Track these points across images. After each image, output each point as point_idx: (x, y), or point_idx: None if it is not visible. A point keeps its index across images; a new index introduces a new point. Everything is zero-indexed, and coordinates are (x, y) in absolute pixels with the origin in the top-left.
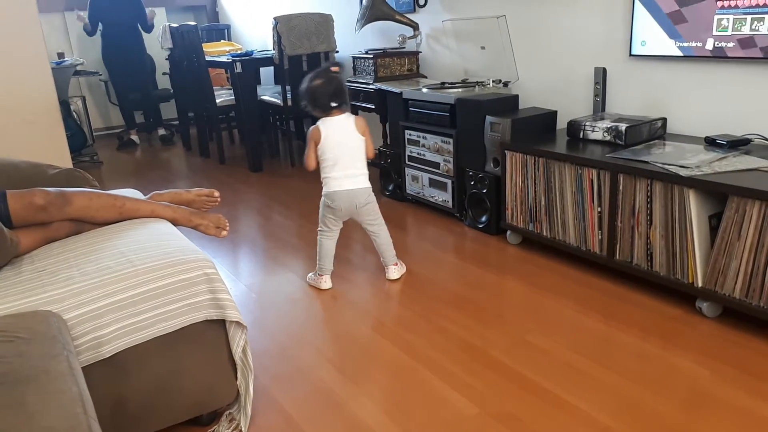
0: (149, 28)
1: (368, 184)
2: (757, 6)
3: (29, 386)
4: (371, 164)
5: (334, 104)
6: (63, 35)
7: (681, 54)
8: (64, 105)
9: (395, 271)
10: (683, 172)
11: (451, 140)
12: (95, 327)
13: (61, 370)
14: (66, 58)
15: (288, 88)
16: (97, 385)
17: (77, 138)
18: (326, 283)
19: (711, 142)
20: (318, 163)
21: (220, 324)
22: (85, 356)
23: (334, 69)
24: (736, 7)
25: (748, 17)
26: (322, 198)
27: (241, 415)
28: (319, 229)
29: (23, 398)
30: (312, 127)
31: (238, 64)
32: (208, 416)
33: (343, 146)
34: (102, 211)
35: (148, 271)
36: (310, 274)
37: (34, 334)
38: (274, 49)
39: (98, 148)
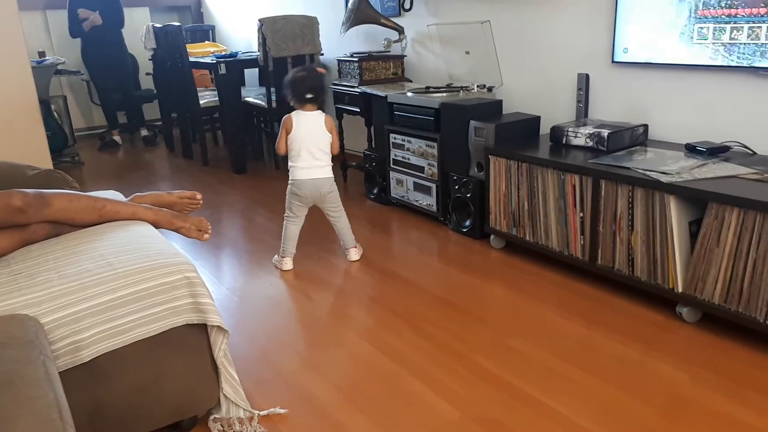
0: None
1: (331, 174)
2: (737, 15)
3: (4, 392)
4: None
5: (309, 96)
6: (44, 34)
7: (663, 61)
8: (45, 105)
9: (355, 253)
10: (664, 179)
11: (435, 144)
12: (73, 331)
13: (37, 375)
14: (47, 57)
15: (272, 90)
16: (75, 390)
17: (58, 138)
18: (287, 264)
19: (691, 149)
20: (287, 151)
21: (202, 328)
22: (63, 361)
23: (320, 70)
24: (717, 16)
25: (728, 26)
26: (289, 185)
27: (239, 410)
28: (285, 215)
29: None
30: (285, 116)
31: (223, 65)
32: (188, 421)
33: (310, 139)
34: (82, 213)
35: (128, 274)
36: (276, 255)
37: (10, 338)
38: (258, 50)
39: (80, 148)
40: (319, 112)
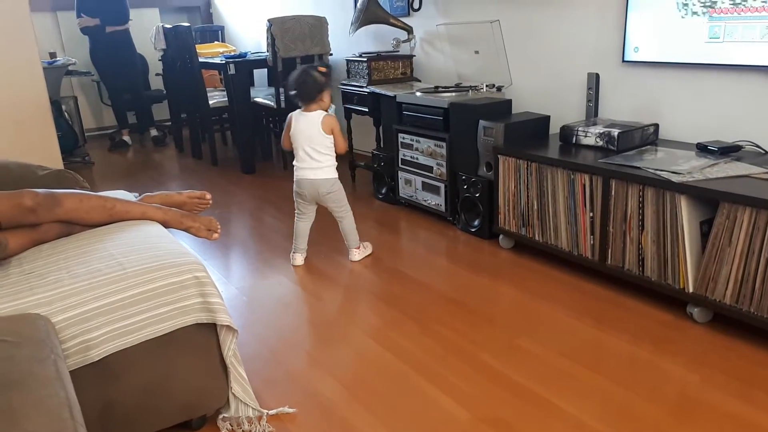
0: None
1: (331, 175)
2: (749, 13)
3: (16, 391)
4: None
5: (292, 93)
6: (55, 35)
7: (673, 60)
8: (56, 105)
9: (356, 254)
10: (675, 178)
11: (444, 144)
12: (84, 330)
13: (49, 374)
14: (58, 58)
15: (281, 90)
16: (85, 389)
17: (68, 138)
18: (297, 260)
19: (702, 149)
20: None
21: (211, 328)
22: (74, 360)
23: (320, 69)
24: (729, 14)
25: (740, 25)
26: (294, 184)
27: (248, 409)
28: (295, 212)
29: (9, 403)
30: (290, 114)
31: (232, 65)
32: (197, 421)
33: (306, 140)
34: (92, 212)
35: (138, 273)
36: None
37: (21, 337)
38: (267, 51)
39: (90, 148)
40: (320, 112)
